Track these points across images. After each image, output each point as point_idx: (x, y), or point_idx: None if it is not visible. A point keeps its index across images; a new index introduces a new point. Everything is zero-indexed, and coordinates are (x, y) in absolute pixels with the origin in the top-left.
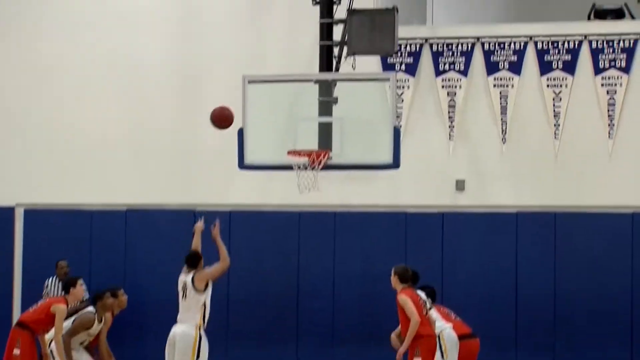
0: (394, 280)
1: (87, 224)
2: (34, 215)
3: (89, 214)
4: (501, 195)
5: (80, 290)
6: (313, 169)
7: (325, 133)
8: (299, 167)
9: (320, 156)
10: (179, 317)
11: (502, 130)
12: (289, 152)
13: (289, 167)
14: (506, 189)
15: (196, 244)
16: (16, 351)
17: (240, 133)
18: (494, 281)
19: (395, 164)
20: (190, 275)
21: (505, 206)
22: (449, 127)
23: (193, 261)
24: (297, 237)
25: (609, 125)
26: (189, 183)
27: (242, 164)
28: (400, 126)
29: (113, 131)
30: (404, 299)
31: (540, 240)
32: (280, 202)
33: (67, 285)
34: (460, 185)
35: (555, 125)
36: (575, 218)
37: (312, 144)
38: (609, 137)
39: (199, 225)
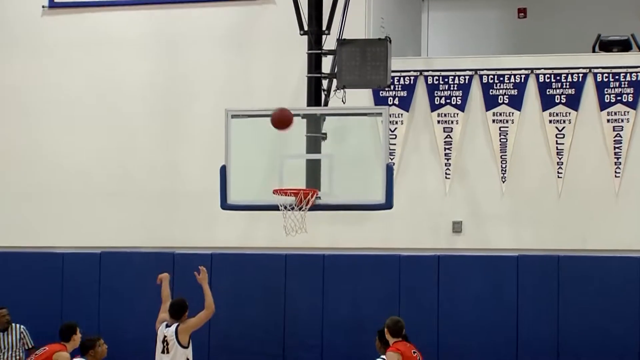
0: (387, 334)
1: (59, 267)
2: (2, 258)
3: (60, 256)
4: (501, 237)
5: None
6: (300, 209)
7: (313, 171)
8: (285, 207)
9: (308, 195)
10: None
11: (502, 169)
12: (275, 191)
13: (274, 207)
14: (506, 230)
15: (165, 292)
16: None
17: (223, 171)
18: (493, 328)
19: (388, 204)
20: (172, 328)
21: (506, 249)
22: (445, 164)
23: (179, 312)
24: (284, 281)
25: (615, 163)
26: (168, 224)
27: (224, 204)
28: (394, 164)
29: (87, 169)
30: (391, 354)
31: (542, 285)
32: (265, 244)
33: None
34: (457, 227)
35: (558, 163)
36: (580, 261)
37: (300, 182)
38: (615, 175)
39: (165, 274)
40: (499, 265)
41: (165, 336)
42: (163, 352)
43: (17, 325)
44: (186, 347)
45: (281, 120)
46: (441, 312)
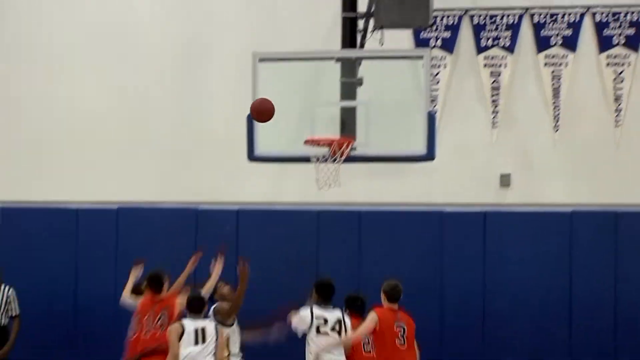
0: (383, 297)
1: (73, 223)
2: (11, 213)
3: (74, 212)
4: (553, 191)
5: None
6: (334, 160)
7: (348, 119)
8: (317, 159)
9: (343, 146)
10: None
11: (554, 117)
12: (306, 141)
13: (305, 159)
14: (559, 184)
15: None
16: None
17: (250, 119)
18: (544, 289)
19: (430, 154)
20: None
21: (558, 204)
22: (492, 112)
23: (200, 307)
24: (316, 240)
25: None
26: (191, 177)
27: (252, 156)
28: (436, 111)
29: (105, 119)
30: (371, 315)
31: (598, 243)
32: (296, 199)
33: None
34: (505, 180)
35: (615, 110)
36: None
37: (333, 131)
38: None
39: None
40: (551, 221)
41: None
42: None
43: (6, 287)
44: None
45: (260, 111)
46: (487, 273)
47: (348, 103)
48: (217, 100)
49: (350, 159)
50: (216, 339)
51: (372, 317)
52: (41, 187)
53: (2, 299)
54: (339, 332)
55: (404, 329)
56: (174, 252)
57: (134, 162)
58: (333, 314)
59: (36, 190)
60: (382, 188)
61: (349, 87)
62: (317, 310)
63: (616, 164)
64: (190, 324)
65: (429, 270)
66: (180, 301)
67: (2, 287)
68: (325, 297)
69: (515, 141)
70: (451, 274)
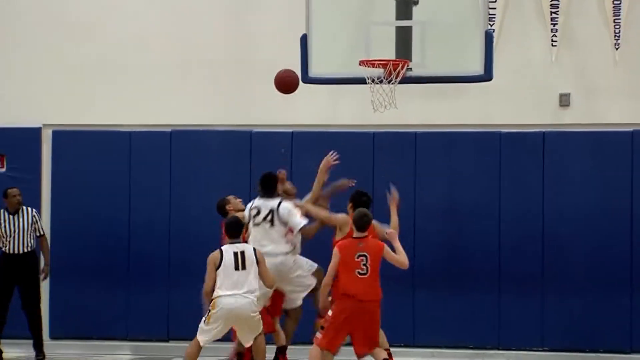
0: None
1: (126, 146)
2: (64, 137)
3: (127, 135)
4: (614, 110)
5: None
6: (390, 81)
7: (403, 40)
8: (372, 80)
9: (398, 67)
10: None
11: (615, 35)
12: (361, 62)
13: (361, 80)
14: (620, 103)
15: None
16: None
17: (304, 40)
18: (605, 210)
19: (488, 75)
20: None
21: (619, 124)
22: (552, 30)
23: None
24: (372, 162)
25: None
26: (245, 100)
27: (306, 77)
28: (493, 31)
29: (156, 42)
30: (334, 251)
31: None
32: (351, 121)
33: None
34: (565, 100)
35: None
36: None
37: (389, 52)
38: None
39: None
40: (612, 142)
41: None
42: None
43: (29, 209)
44: None
45: (284, 83)
46: (546, 195)
47: (404, 23)
48: (270, 22)
49: (406, 80)
50: (257, 263)
51: (334, 254)
52: (95, 111)
53: (27, 221)
54: (272, 222)
55: (366, 258)
56: (228, 175)
57: (188, 86)
58: (267, 205)
59: (89, 114)
60: (438, 109)
61: (405, 6)
62: (257, 201)
63: None
64: (229, 249)
65: (486, 193)
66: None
67: (25, 209)
68: (264, 188)
69: (574, 60)
70: (509, 196)
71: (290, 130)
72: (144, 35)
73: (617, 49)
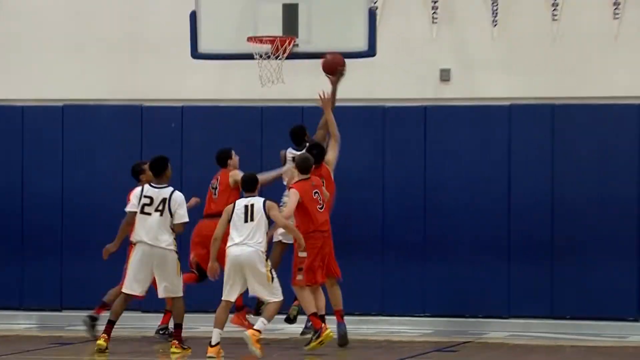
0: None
1: (18, 121)
2: None
3: (19, 109)
4: (492, 85)
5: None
6: (277, 57)
7: (290, 16)
8: (260, 56)
9: (285, 43)
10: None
11: (493, 12)
12: (249, 39)
13: (249, 56)
14: (497, 78)
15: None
16: None
17: (193, 17)
18: (483, 181)
19: (371, 51)
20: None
21: (497, 98)
22: (432, 8)
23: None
24: (260, 135)
25: (614, 3)
26: (135, 75)
27: (195, 53)
28: (376, 8)
29: (48, 17)
30: (292, 191)
31: (536, 136)
32: (239, 95)
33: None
34: (445, 75)
35: (553, 4)
36: (575, 110)
37: (276, 29)
38: (614, 17)
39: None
40: (490, 115)
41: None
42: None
43: None
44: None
45: (332, 65)
46: (428, 166)
47: (290, 0)
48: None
49: (293, 56)
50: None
51: (293, 193)
52: None
53: None
54: (162, 212)
55: (318, 194)
56: (120, 149)
57: (79, 61)
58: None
59: None
60: (324, 84)
61: None
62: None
63: (553, 57)
64: (241, 203)
65: (371, 165)
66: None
67: None
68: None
69: (454, 36)
70: (393, 167)
71: (180, 105)
72: (38, 10)
73: (494, 25)
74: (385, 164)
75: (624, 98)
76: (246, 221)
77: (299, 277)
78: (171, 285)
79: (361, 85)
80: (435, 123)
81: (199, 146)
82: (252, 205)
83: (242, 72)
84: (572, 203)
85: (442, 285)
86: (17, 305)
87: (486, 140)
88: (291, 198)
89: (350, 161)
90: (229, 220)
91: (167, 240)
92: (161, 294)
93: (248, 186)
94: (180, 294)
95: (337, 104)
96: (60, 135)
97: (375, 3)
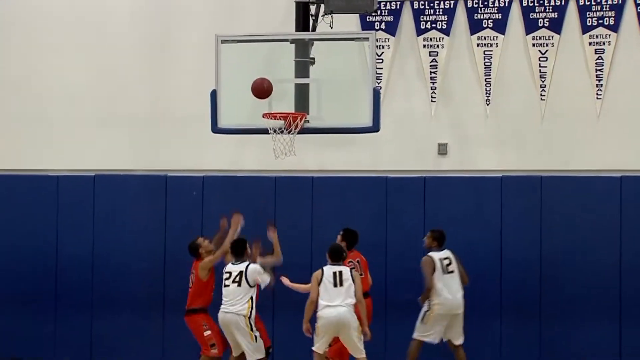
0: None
1: (54, 189)
2: None
3: (55, 178)
4: (485, 158)
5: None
6: (289, 132)
7: (302, 95)
8: (274, 131)
9: (297, 119)
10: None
11: (486, 92)
12: (264, 115)
13: (264, 131)
14: (490, 152)
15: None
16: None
17: (214, 95)
18: (478, 247)
19: (375, 127)
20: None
21: (490, 170)
22: (431, 88)
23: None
24: (274, 203)
25: (597, 85)
26: (160, 147)
27: (215, 128)
28: (380, 88)
29: (80, 94)
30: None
31: (526, 205)
32: (255, 167)
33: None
34: (442, 149)
35: (541, 86)
36: (562, 181)
37: (289, 106)
38: (597, 97)
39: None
40: (483, 185)
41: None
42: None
43: None
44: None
45: (260, 90)
46: (427, 231)
47: (301, 80)
48: (184, 79)
49: (304, 131)
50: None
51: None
52: (26, 158)
53: None
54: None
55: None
56: (146, 215)
57: (110, 134)
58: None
59: (21, 160)
60: (332, 156)
61: (303, 66)
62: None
63: (541, 134)
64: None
65: (374, 230)
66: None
67: None
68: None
69: (451, 114)
70: (395, 232)
71: (201, 175)
72: (71, 89)
73: (487, 104)
74: (388, 229)
75: (607, 171)
76: (335, 286)
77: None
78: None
79: (366, 157)
80: (433, 192)
81: (218, 212)
82: (340, 272)
83: (257, 145)
84: (560, 267)
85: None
86: (50, 358)
87: (480, 207)
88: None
89: (356, 227)
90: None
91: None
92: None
93: (335, 256)
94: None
95: (345, 174)
96: (92, 202)
97: (379, 84)
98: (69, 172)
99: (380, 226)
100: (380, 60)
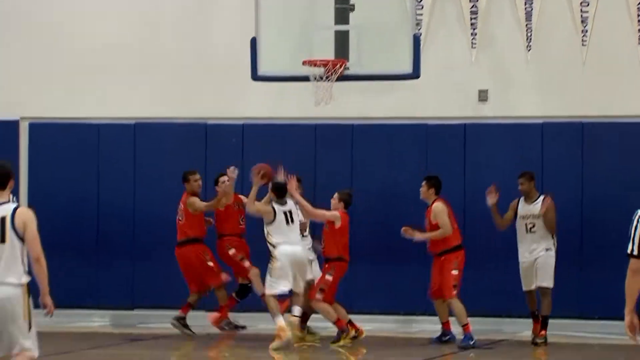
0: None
1: (95, 138)
2: (39, 129)
3: (95, 127)
4: (526, 104)
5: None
6: (329, 79)
7: (342, 42)
8: (314, 78)
9: (337, 66)
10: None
11: (527, 37)
12: (305, 62)
13: (304, 78)
14: (531, 98)
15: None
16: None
17: (254, 42)
18: (519, 193)
19: (415, 73)
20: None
21: (531, 116)
22: (472, 34)
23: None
24: (314, 151)
25: (639, 30)
26: (200, 95)
27: (255, 75)
28: (420, 34)
29: (121, 42)
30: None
31: (567, 151)
32: (295, 114)
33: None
34: (483, 96)
35: (582, 31)
36: (604, 127)
37: (329, 53)
38: (639, 42)
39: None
40: (524, 132)
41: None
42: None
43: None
44: None
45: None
46: (467, 180)
47: (341, 27)
48: (224, 26)
49: (344, 78)
50: None
51: (337, 217)
52: (67, 106)
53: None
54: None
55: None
56: (186, 162)
57: (150, 82)
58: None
59: (62, 109)
60: (372, 104)
61: (343, 12)
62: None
63: (583, 79)
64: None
65: (414, 177)
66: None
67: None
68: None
69: (492, 60)
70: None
71: (241, 122)
72: (112, 36)
73: (528, 50)
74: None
75: None
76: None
77: (319, 296)
78: None
79: (406, 104)
80: (473, 139)
81: (257, 160)
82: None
83: (297, 93)
84: (601, 212)
85: (479, 287)
86: (92, 305)
87: (521, 154)
88: (332, 216)
89: (395, 175)
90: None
91: None
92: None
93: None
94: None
95: (386, 122)
96: (132, 150)
97: (419, 30)
98: (109, 121)
99: (420, 174)
100: (420, 7)
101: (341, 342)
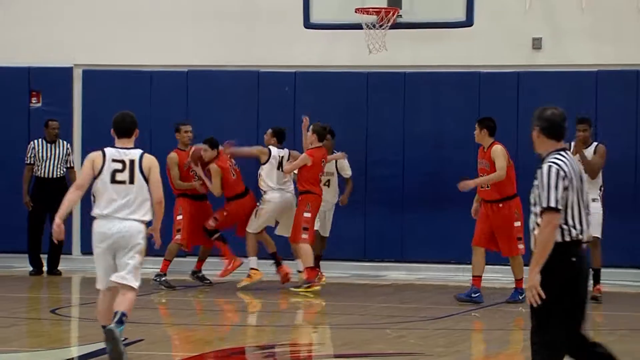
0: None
1: (147, 85)
2: (93, 76)
3: (148, 74)
4: (581, 52)
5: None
6: (382, 27)
7: None
8: (367, 26)
9: (390, 14)
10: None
11: None
12: (357, 10)
13: (356, 26)
14: (586, 46)
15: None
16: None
17: None
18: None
19: (469, 21)
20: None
21: (585, 65)
22: None
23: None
24: (366, 99)
25: None
26: (253, 43)
27: (307, 23)
28: None
29: None
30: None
31: (621, 100)
32: (347, 62)
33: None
34: (537, 43)
35: None
36: None
37: (381, 1)
38: None
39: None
40: (578, 80)
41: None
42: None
43: (64, 142)
44: None
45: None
46: (520, 128)
47: None
48: None
49: (397, 26)
50: None
51: (306, 158)
52: (120, 54)
53: (62, 151)
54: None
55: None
56: (239, 110)
57: (202, 30)
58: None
59: (116, 56)
60: (425, 52)
61: None
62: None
63: (638, 27)
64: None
65: (467, 126)
66: None
67: (60, 141)
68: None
69: (546, 7)
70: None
71: (293, 70)
72: None
73: None
74: None
75: None
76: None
77: (304, 235)
78: None
79: (459, 52)
80: (527, 87)
81: (309, 108)
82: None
83: (349, 41)
84: None
85: None
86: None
87: (575, 102)
88: (302, 160)
89: (448, 123)
90: None
91: None
92: None
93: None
94: None
95: (438, 70)
96: (185, 98)
97: None
98: (162, 68)
99: (473, 122)
100: None
101: (301, 290)
